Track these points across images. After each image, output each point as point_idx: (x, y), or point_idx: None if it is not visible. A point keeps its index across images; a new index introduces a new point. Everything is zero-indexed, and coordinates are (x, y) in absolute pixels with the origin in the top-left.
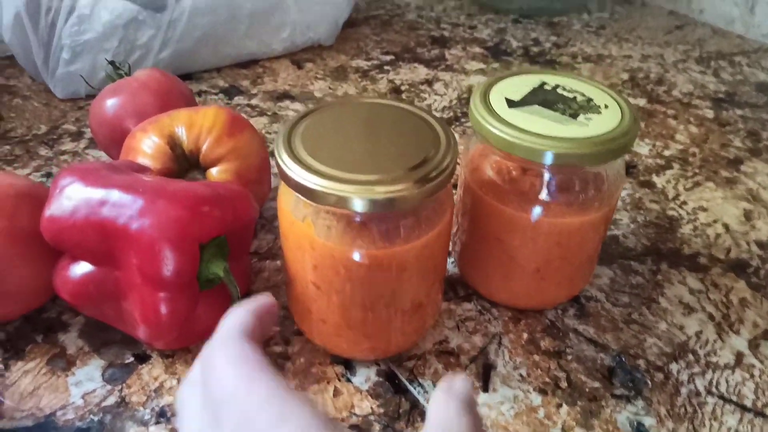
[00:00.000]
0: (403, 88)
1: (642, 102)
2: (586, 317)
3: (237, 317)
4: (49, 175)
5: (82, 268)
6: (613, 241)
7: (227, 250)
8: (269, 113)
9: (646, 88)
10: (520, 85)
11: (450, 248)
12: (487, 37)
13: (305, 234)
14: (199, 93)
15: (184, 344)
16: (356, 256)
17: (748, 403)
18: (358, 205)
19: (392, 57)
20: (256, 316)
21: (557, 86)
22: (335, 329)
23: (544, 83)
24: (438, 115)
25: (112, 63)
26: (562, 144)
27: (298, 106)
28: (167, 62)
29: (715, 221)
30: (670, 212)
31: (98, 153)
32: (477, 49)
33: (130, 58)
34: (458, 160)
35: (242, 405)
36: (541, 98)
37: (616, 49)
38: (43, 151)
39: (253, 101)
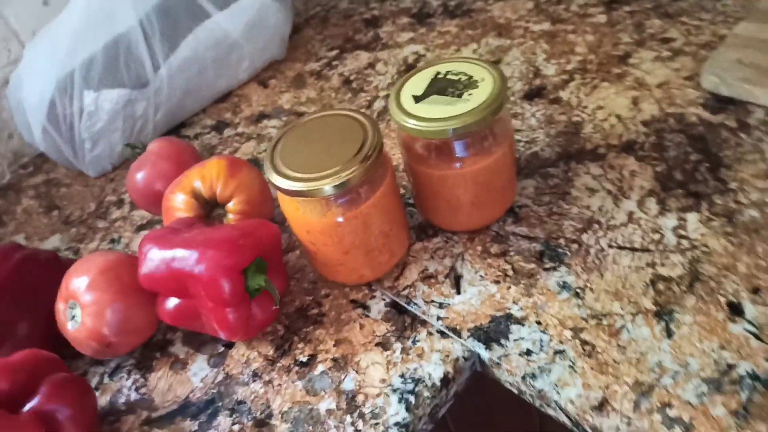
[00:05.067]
0: (352, 77)
1: (546, 26)
2: (520, 221)
3: None
4: (113, 240)
5: (172, 302)
6: (534, 157)
7: (265, 265)
8: (254, 136)
9: (548, 11)
10: (421, 80)
11: (414, 202)
12: (411, 4)
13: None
14: (196, 136)
15: (252, 335)
16: (339, 219)
17: (637, 245)
18: (329, 189)
19: (337, 51)
20: None
21: (448, 72)
22: (334, 267)
23: (438, 73)
24: (383, 93)
25: (129, 145)
26: (454, 121)
27: (274, 122)
28: (163, 121)
29: (609, 115)
30: (575, 118)
31: (140, 212)
32: (405, 20)
33: (135, 128)
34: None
35: None
36: (437, 87)
37: None
38: (101, 224)
39: (239, 129)
